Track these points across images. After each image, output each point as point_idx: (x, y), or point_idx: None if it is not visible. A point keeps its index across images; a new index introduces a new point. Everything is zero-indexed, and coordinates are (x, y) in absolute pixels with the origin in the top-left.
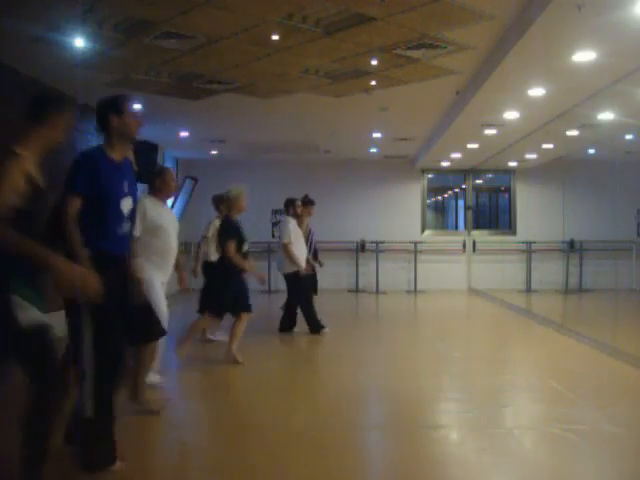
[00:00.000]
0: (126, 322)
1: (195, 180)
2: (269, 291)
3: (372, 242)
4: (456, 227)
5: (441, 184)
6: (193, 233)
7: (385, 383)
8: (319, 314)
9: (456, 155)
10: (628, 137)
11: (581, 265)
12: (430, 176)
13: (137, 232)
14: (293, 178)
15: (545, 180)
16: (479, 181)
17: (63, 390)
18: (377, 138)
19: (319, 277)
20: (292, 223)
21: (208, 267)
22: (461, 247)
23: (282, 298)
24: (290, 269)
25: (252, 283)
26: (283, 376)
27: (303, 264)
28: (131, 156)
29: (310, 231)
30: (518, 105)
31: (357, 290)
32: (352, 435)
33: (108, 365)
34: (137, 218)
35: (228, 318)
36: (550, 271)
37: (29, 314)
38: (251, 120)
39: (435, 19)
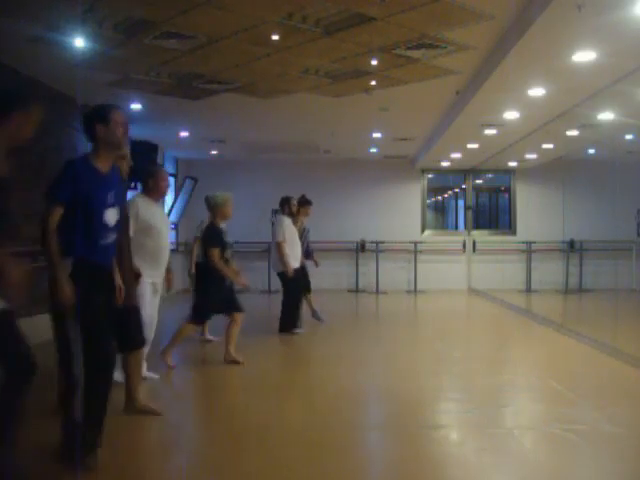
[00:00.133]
0: (113, 330)
1: (195, 180)
2: (269, 291)
3: (372, 242)
4: (456, 227)
5: (441, 184)
6: (193, 233)
7: (385, 383)
8: (320, 313)
9: (456, 155)
10: (628, 137)
11: (581, 265)
12: (430, 176)
13: (131, 232)
14: (293, 178)
15: (545, 180)
16: (479, 181)
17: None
18: (377, 138)
19: (319, 277)
20: (287, 222)
21: (199, 268)
22: (461, 247)
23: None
24: (282, 268)
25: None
26: (283, 376)
27: (295, 264)
28: (126, 162)
29: (305, 230)
30: (518, 105)
31: (357, 290)
32: (352, 435)
33: (94, 372)
34: (130, 218)
35: (221, 318)
36: (550, 271)
37: None
38: (251, 120)
39: (435, 19)
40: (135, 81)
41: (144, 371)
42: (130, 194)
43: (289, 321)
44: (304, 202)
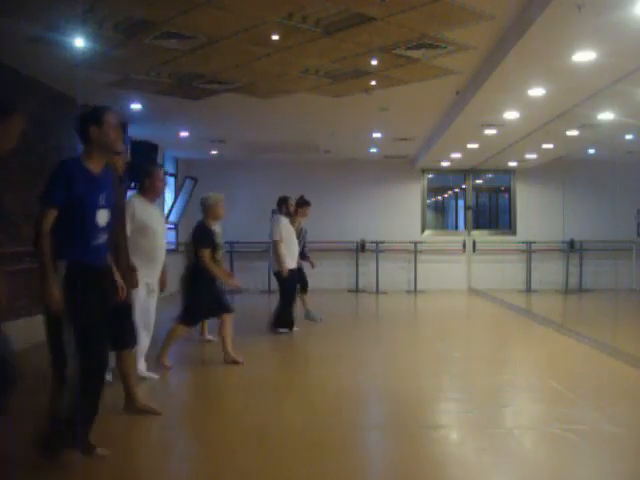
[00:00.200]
0: (107, 330)
1: (195, 180)
2: (269, 291)
3: (372, 242)
4: (456, 227)
5: (441, 184)
6: None
7: (385, 383)
8: (319, 313)
9: (456, 155)
10: (628, 137)
11: (581, 265)
12: (430, 176)
13: (127, 231)
14: (293, 178)
15: (545, 180)
16: (479, 181)
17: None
18: (377, 138)
19: (319, 277)
20: (284, 221)
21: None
22: (461, 247)
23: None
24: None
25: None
26: (282, 376)
27: (291, 264)
28: (122, 159)
29: (302, 230)
30: (518, 105)
31: (357, 290)
32: (352, 435)
33: (88, 372)
34: (127, 218)
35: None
36: (550, 271)
37: None
38: (251, 120)
39: (435, 19)
40: (135, 81)
41: (144, 371)
42: (130, 194)
43: (278, 320)
44: (303, 203)
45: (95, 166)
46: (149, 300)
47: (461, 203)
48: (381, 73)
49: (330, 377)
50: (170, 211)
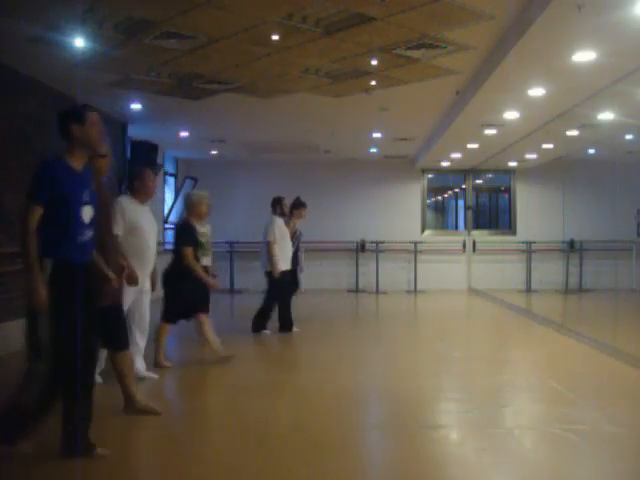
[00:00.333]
0: (95, 327)
1: (195, 180)
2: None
3: (372, 242)
4: (456, 227)
5: (441, 184)
6: None
7: (385, 383)
8: (320, 314)
9: (456, 155)
10: (628, 137)
11: (581, 265)
12: (430, 176)
13: (119, 231)
14: (293, 178)
15: (545, 180)
16: (479, 181)
17: None
18: (377, 138)
19: (319, 277)
20: (278, 222)
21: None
22: (461, 247)
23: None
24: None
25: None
26: (282, 376)
27: (283, 265)
28: (106, 161)
29: (297, 232)
30: (518, 105)
31: (357, 290)
32: (352, 435)
33: (74, 370)
34: (117, 218)
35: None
36: (550, 271)
37: None
38: (251, 120)
39: (435, 19)
40: (135, 81)
41: (143, 371)
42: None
43: (261, 321)
44: (298, 204)
45: (77, 163)
46: (142, 300)
47: (461, 203)
48: (381, 73)
49: (330, 377)
50: (170, 211)
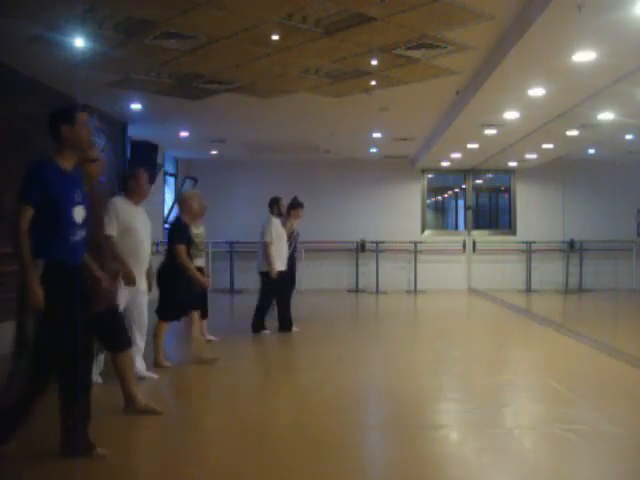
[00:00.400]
0: (92, 328)
1: (195, 180)
2: None
3: (372, 242)
4: (456, 227)
5: (441, 184)
6: None
7: (385, 383)
8: (320, 313)
9: (456, 155)
10: (628, 137)
11: (581, 265)
12: (430, 176)
13: (113, 231)
14: (293, 178)
15: (545, 180)
16: (479, 181)
17: None
18: (377, 138)
19: (319, 277)
20: (275, 222)
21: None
22: (461, 247)
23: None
24: (266, 268)
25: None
26: (282, 376)
27: (280, 266)
28: (98, 164)
29: (294, 232)
30: (518, 105)
31: (357, 290)
32: (352, 435)
33: (70, 368)
34: (111, 218)
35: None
36: (550, 271)
37: None
38: (251, 120)
39: (435, 19)
40: (135, 81)
41: (143, 371)
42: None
43: (260, 321)
44: (296, 205)
45: (67, 164)
46: (139, 300)
47: (461, 203)
48: (381, 73)
49: (330, 377)
50: (170, 211)
